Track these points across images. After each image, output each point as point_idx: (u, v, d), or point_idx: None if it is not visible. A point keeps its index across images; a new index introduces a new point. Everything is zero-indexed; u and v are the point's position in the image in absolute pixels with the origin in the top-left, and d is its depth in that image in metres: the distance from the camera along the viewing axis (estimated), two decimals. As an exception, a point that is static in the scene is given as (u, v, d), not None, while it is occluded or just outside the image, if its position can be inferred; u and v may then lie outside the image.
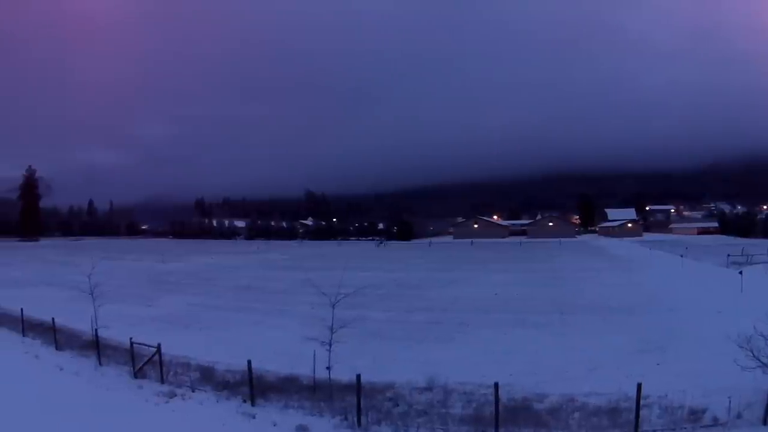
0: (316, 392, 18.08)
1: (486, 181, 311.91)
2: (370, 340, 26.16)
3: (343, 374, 17.83)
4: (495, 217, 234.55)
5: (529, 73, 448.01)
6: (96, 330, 24.58)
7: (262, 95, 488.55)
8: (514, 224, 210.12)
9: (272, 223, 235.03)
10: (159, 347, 21.12)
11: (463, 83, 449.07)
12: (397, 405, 17.10)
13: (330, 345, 18.87)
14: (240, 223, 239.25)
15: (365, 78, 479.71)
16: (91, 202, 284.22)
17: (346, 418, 16.40)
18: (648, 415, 15.50)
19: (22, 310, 31.30)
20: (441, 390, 17.93)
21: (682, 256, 69.61)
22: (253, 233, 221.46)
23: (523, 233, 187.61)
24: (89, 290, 27.53)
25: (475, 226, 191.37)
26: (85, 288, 28.51)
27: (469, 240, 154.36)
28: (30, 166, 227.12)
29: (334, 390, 17.77)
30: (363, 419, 16.13)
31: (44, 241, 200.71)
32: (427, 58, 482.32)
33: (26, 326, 30.89)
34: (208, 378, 20.35)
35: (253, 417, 17.20)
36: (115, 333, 24.67)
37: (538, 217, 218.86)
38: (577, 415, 15.97)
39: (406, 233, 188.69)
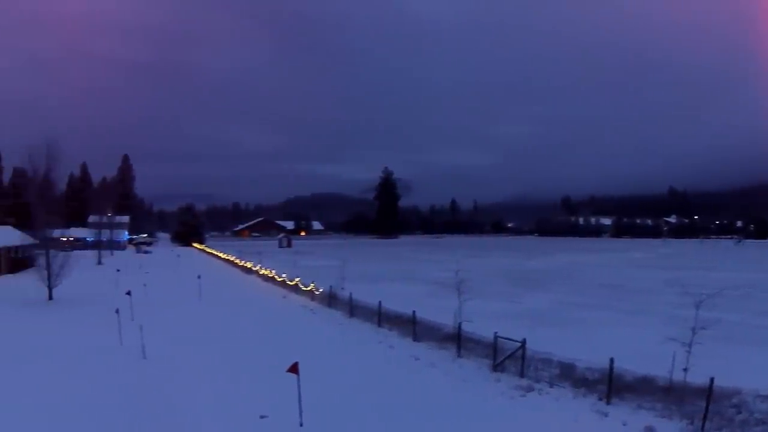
0: (670, 394, 17.92)
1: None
2: (725, 342, 25.34)
3: (696, 377, 17.44)
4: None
5: None
6: (459, 323, 25.72)
7: (622, 91, 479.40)
8: None
9: (637, 221, 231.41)
10: (524, 342, 21.81)
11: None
12: (740, 412, 16.58)
13: (690, 346, 18.62)
14: (606, 221, 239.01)
15: (721, 72, 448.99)
16: (453, 201, 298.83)
17: (691, 423, 16.27)
18: None
19: (380, 302, 33.37)
20: (781, 399, 17.04)
21: None
22: (619, 231, 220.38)
23: None
24: (453, 285, 28.95)
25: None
26: (445, 283, 30.09)
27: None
28: (386, 168, 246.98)
29: (687, 393, 17.52)
30: (707, 424, 15.84)
31: (404, 239, 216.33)
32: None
33: (382, 318, 33.08)
34: (568, 375, 20.80)
35: (606, 415, 17.49)
36: (477, 327, 25.42)
37: None
38: None
39: (763, 232, 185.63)
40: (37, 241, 52.75)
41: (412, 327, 29.34)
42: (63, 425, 16.73)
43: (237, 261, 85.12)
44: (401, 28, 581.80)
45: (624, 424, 16.59)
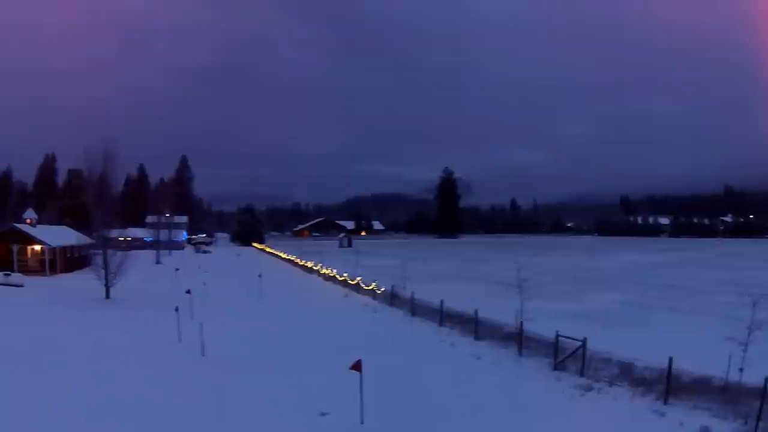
0: (725, 394, 18.14)
1: None
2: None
3: (752, 377, 17.62)
4: None
5: None
6: (521, 322, 26.19)
7: (679, 90, 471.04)
8: None
9: (695, 220, 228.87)
10: (584, 341, 22.10)
11: None
12: (790, 412, 16.60)
13: (745, 346, 18.86)
14: (664, 220, 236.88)
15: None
16: (513, 201, 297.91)
17: (745, 423, 16.44)
18: None
19: (441, 301, 33.67)
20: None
21: None
22: (676, 230, 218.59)
23: None
24: (515, 284, 29.19)
25: None
26: (506, 283, 30.39)
27: None
28: (446, 168, 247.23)
29: (742, 393, 17.74)
30: (761, 425, 15.99)
31: (464, 238, 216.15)
32: None
33: (444, 317, 33.34)
34: (627, 374, 21.00)
35: (663, 415, 17.69)
36: (539, 327, 25.78)
37: None
38: None
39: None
40: (94, 241, 53.65)
41: (474, 326, 29.69)
42: (122, 420, 17.21)
43: (298, 260, 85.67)
44: (462, 28, 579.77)
45: (680, 424, 16.77)
